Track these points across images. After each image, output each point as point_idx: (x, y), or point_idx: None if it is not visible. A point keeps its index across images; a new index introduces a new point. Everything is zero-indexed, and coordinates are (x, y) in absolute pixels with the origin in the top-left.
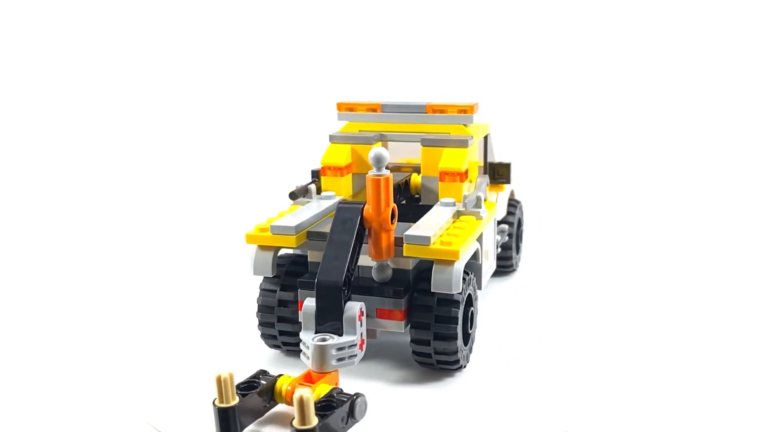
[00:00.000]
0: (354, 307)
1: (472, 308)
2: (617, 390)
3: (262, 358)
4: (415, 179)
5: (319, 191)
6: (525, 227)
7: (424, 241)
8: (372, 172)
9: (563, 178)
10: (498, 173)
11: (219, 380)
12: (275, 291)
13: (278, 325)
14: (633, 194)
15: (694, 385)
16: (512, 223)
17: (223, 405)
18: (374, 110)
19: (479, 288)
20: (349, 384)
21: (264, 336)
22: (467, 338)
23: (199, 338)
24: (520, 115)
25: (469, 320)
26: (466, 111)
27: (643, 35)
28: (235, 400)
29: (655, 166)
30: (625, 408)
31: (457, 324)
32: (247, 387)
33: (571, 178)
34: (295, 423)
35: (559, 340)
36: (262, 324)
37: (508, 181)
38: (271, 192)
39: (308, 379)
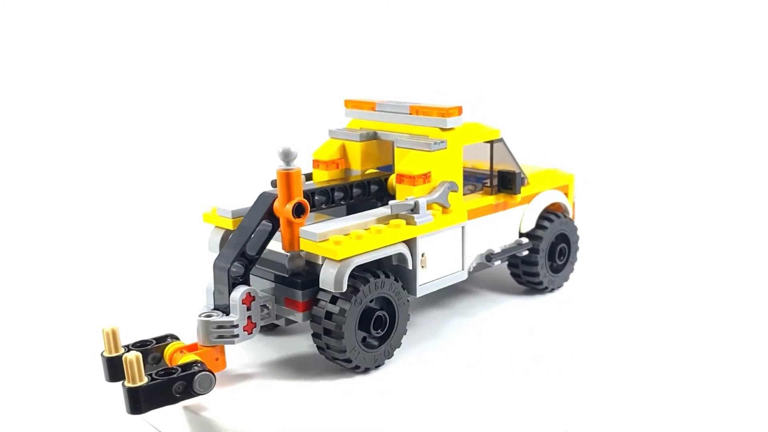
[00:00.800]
0: (239, 291)
1: (383, 312)
2: (617, 390)
3: None
4: (392, 180)
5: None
6: (583, 245)
7: (313, 237)
8: (280, 166)
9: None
10: (508, 181)
11: (104, 333)
12: None
13: None
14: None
15: (694, 386)
16: (540, 237)
17: (107, 355)
18: (372, 108)
19: (413, 294)
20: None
21: None
22: (382, 340)
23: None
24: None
25: (377, 323)
26: (443, 114)
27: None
28: (119, 352)
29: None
30: (625, 408)
31: (344, 323)
32: (140, 345)
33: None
34: (126, 381)
35: (559, 342)
36: None
37: (513, 191)
38: None
39: (193, 348)
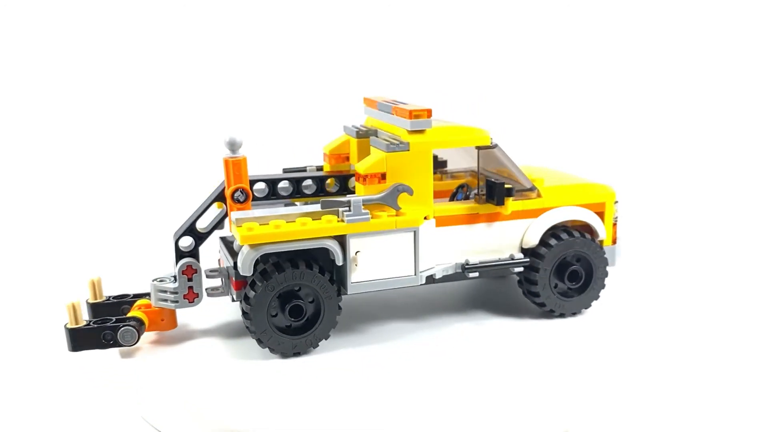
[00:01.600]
0: (181, 262)
1: (302, 302)
2: (617, 390)
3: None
4: None
5: None
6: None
7: (234, 221)
8: (226, 155)
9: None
10: (491, 192)
11: (89, 283)
12: None
13: None
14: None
15: (694, 387)
16: (542, 256)
17: (91, 301)
18: (374, 107)
19: (345, 291)
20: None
21: None
22: (302, 329)
23: (192, 326)
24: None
25: (295, 312)
26: (407, 116)
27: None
28: (100, 299)
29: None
30: (625, 408)
31: (251, 305)
32: (119, 297)
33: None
34: (68, 323)
35: (559, 342)
36: None
37: (495, 203)
38: None
39: (149, 306)
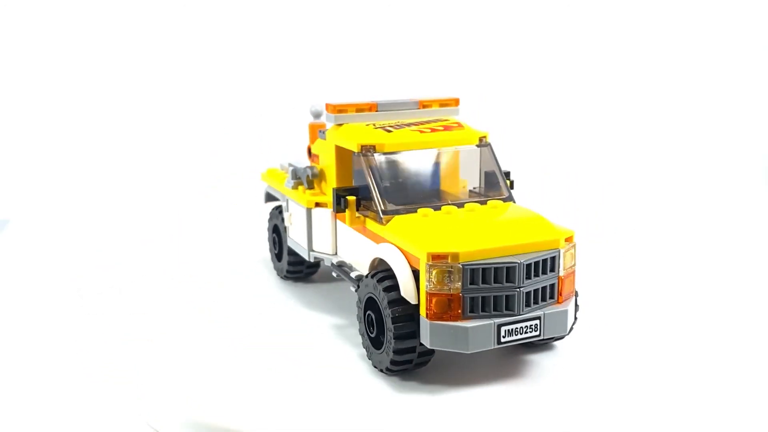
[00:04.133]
0: None
1: (277, 237)
2: (617, 390)
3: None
4: None
5: None
6: None
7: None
8: (311, 120)
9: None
10: None
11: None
12: None
13: None
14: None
15: (694, 386)
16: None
17: None
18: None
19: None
20: None
21: None
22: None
23: (192, 323)
24: None
25: (273, 241)
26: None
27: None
28: None
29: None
30: (625, 408)
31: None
32: None
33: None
34: None
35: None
36: None
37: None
38: None
39: None
